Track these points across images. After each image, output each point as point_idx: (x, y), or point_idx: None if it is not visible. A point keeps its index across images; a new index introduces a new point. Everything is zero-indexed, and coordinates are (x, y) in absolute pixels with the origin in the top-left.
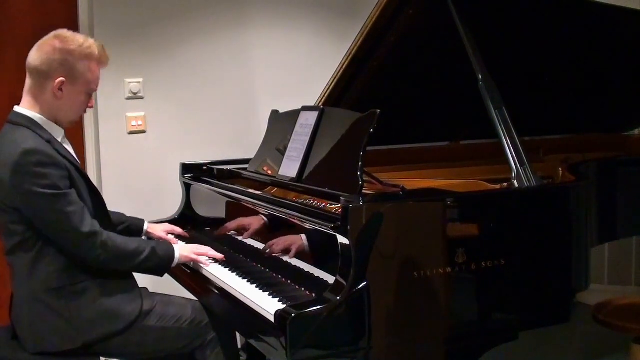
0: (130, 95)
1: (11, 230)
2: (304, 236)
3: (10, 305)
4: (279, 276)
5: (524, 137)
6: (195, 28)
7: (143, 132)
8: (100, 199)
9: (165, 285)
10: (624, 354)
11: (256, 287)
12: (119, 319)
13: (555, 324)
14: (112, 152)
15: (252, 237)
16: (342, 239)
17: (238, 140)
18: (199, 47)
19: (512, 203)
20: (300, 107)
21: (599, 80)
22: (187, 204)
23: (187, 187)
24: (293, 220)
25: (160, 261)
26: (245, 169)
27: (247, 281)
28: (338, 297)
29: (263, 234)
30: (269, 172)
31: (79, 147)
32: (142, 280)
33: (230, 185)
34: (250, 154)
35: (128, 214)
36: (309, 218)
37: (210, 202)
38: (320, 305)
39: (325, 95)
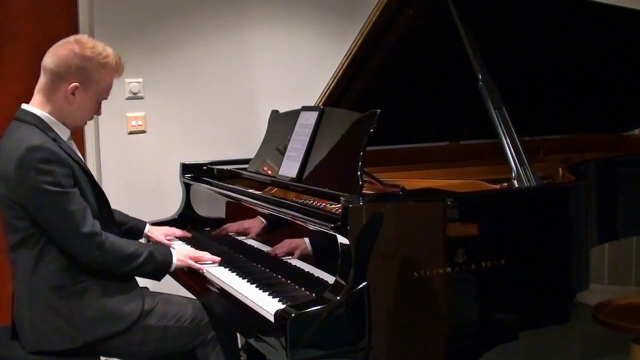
0: (130, 95)
1: (15, 226)
2: (307, 239)
3: (12, 304)
4: (279, 276)
5: (524, 137)
6: (195, 28)
7: (143, 132)
8: (104, 198)
9: (166, 285)
10: (624, 354)
11: (256, 287)
12: (121, 320)
13: (555, 324)
14: (112, 152)
15: (252, 237)
16: (342, 239)
17: (238, 140)
18: (199, 47)
19: (512, 203)
20: (300, 107)
21: (598, 80)
22: (187, 204)
23: (187, 187)
24: (293, 220)
25: (157, 265)
26: (245, 169)
27: (247, 281)
28: (338, 297)
29: (263, 234)
30: (269, 172)
31: (79, 147)
32: (143, 280)
33: (230, 185)
34: (250, 154)
35: (128, 214)
36: (309, 218)
37: (210, 202)
38: (320, 305)
39: (325, 95)
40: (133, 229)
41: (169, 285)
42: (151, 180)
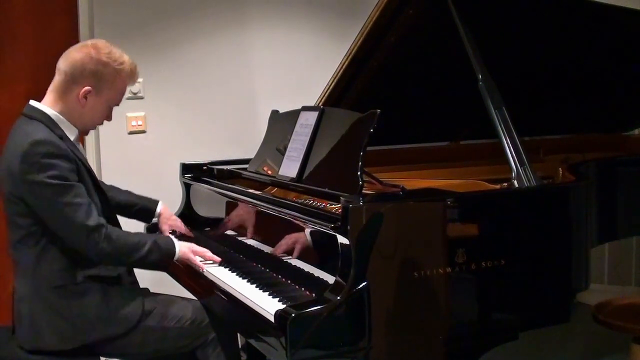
0: (130, 95)
1: (17, 223)
2: (306, 232)
3: (12, 302)
4: (279, 276)
5: (524, 137)
6: (195, 28)
7: (143, 132)
8: (107, 201)
9: (166, 285)
10: (624, 354)
11: (256, 287)
12: (121, 321)
13: (555, 324)
14: (112, 152)
15: (252, 237)
16: (342, 239)
17: (238, 140)
18: (199, 47)
19: (512, 203)
20: (300, 107)
21: (598, 80)
22: (187, 204)
23: (187, 187)
24: (293, 220)
25: (162, 253)
26: (245, 169)
27: (247, 281)
28: (338, 297)
29: (263, 234)
30: (269, 172)
31: None
32: (143, 280)
33: (230, 185)
34: (250, 154)
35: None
36: (309, 218)
37: (210, 202)
38: (320, 305)
39: (325, 95)
40: (142, 210)
41: (169, 286)
42: (151, 180)
